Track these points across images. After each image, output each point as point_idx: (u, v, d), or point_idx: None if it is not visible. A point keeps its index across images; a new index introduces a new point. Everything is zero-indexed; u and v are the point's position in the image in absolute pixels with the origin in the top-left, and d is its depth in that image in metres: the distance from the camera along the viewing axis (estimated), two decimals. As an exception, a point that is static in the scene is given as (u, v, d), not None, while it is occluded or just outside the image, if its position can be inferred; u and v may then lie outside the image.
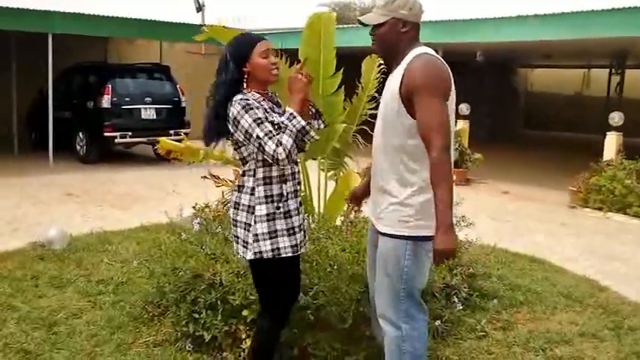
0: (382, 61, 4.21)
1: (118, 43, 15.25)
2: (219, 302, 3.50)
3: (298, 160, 3.01)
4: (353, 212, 3.37)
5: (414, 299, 2.76)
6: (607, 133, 9.58)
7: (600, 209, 8.37)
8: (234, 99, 2.70)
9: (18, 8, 10.25)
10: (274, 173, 2.77)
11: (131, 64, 13.11)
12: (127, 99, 11.63)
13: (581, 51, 14.05)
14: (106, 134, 11.29)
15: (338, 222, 4.18)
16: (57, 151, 11.10)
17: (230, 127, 2.72)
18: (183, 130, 12.08)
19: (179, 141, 4.71)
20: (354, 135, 4.58)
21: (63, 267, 5.15)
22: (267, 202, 2.76)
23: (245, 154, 2.78)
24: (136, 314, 4.13)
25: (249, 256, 2.79)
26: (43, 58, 10.76)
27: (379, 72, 4.40)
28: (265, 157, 2.67)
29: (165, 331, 3.84)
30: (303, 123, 2.67)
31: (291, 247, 2.79)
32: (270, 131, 2.63)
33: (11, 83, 12.48)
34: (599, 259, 6.22)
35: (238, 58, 2.76)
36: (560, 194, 9.26)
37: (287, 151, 2.62)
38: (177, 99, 12.27)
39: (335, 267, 3.54)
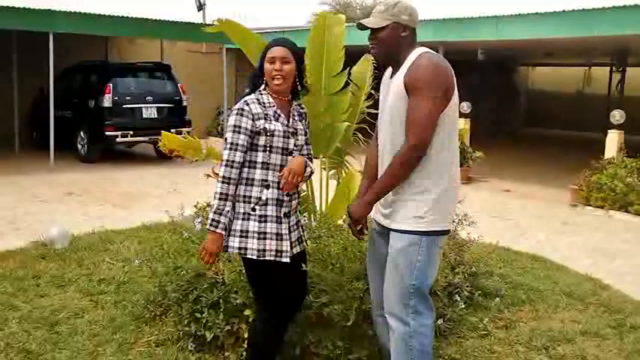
0: (376, 64, 4.22)
1: (118, 41, 15.25)
2: (221, 301, 3.50)
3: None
4: (358, 237, 3.31)
5: (423, 295, 2.78)
6: (608, 131, 9.57)
7: (602, 207, 8.36)
8: (244, 98, 2.87)
9: (20, 7, 10.24)
10: (257, 176, 2.85)
11: (132, 63, 13.11)
12: (128, 98, 11.62)
13: (582, 49, 14.03)
14: (107, 133, 11.29)
15: (340, 221, 4.17)
16: (58, 150, 11.10)
17: None
18: (185, 129, 12.12)
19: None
20: (354, 133, 4.58)
21: (64, 266, 5.15)
22: (244, 202, 2.85)
23: None
24: (137, 314, 4.13)
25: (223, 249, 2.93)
26: (45, 57, 10.76)
27: (374, 71, 4.43)
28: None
29: (167, 330, 3.84)
30: (210, 216, 2.83)
31: (258, 250, 2.83)
32: (236, 144, 2.78)
33: (12, 82, 12.49)
34: (601, 257, 6.22)
35: (260, 59, 2.91)
36: (562, 192, 9.24)
37: (220, 177, 2.80)
38: (178, 98, 12.27)
39: (337, 265, 3.54)
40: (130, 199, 8.50)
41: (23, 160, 11.68)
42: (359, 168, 4.71)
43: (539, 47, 13.77)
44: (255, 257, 2.84)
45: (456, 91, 2.71)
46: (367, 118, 4.58)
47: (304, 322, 3.38)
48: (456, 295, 4.19)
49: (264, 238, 2.83)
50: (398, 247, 2.74)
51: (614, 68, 18.88)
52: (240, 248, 2.84)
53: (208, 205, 4.57)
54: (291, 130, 2.89)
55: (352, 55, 4.71)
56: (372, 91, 4.51)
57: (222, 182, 2.79)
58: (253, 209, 2.84)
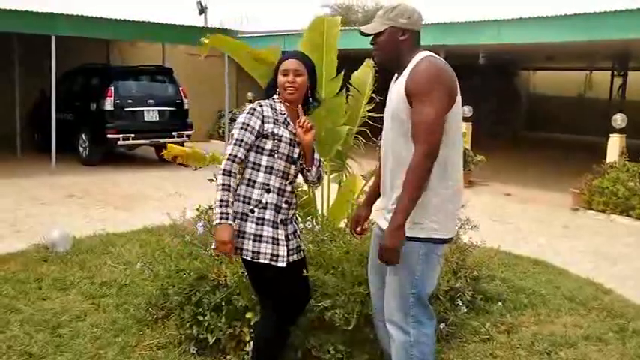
0: (377, 68, 4.24)
1: (120, 44, 15.27)
2: (223, 304, 3.50)
3: (293, 190, 3.06)
4: (356, 237, 3.32)
5: (423, 303, 2.75)
6: (610, 135, 9.57)
7: (603, 211, 8.36)
8: (258, 101, 2.96)
9: (21, 10, 10.27)
10: (259, 179, 2.89)
11: (134, 66, 13.12)
12: (130, 101, 11.65)
13: (583, 53, 14.04)
14: (108, 136, 11.32)
15: (342, 224, 4.17)
16: (59, 153, 11.11)
17: None
18: (186, 132, 12.14)
19: (182, 143, 4.70)
20: (355, 137, 4.59)
21: (66, 269, 5.15)
22: (243, 202, 2.89)
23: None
24: (139, 316, 4.13)
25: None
26: (46, 57, 10.78)
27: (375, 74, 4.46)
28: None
29: (169, 333, 3.84)
30: (215, 210, 2.82)
31: (252, 252, 2.85)
32: (241, 141, 2.84)
33: (14, 84, 12.50)
34: (603, 261, 6.22)
35: (274, 71, 3.01)
36: (563, 196, 9.24)
37: (221, 170, 2.83)
38: (179, 101, 12.29)
39: (339, 269, 3.54)
40: (131, 201, 8.51)
41: (25, 162, 11.70)
42: (360, 172, 4.73)
43: (540, 51, 13.77)
44: (249, 259, 2.87)
45: (459, 95, 2.67)
46: (368, 121, 4.59)
47: (306, 325, 3.39)
48: (458, 299, 4.18)
49: (260, 241, 2.85)
50: None
51: (615, 72, 18.87)
52: (236, 248, 2.87)
53: (210, 208, 4.57)
54: (297, 139, 2.95)
55: (354, 59, 4.73)
56: (374, 95, 4.53)
57: (223, 174, 2.83)
58: (252, 211, 2.87)
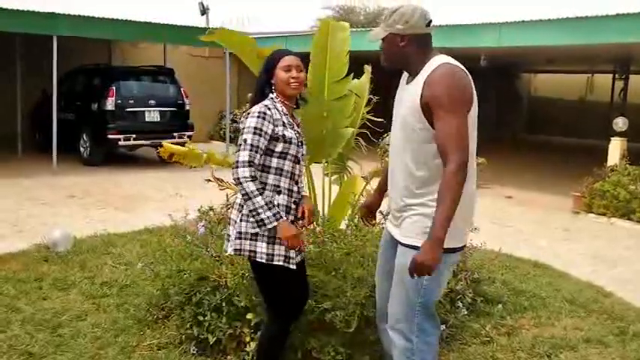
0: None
1: (122, 45, 15.29)
2: (223, 304, 3.51)
3: (299, 190, 3.04)
4: (367, 225, 3.33)
5: (429, 312, 2.71)
6: (611, 138, 9.57)
7: (604, 215, 8.36)
8: (262, 103, 2.87)
9: (23, 10, 10.27)
10: (269, 181, 2.87)
11: (135, 67, 13.14)
12: (131, 101, 11.65)
13: (584, 56, 14.04)
14: (109, 136, 11.32)
15: (343, 226, 4.17)
16: (61, 153, 11.10)
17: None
18: (187, 133, 12.14)
19: (182, 144, 4.70)
20: (355, 138, 4.59)
21: (67, 269, 5.15)
22: None
23: None
24: (140, 317, 4.13)
25: (230, 250, 2.91)
26: (48, 59, 10.78)
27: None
28: (235, 159, 2.80)
29: (170, 333, 3.84)
30: (262, 217, 2.76)
31: (267, 254, 2.84)
32: (256, 147, 2.77)
33: (16, 84, 12.51)
34: (603, 264, 6.22)
35: (266, 67, 2.96)
36: (564, 199, 9.24)
37: (236, 176, 2.75)
38: (181, 102, 12.30)
39: (340, 271, 3.54)
40: (132, 202, 8.51)
41: (26, 162, 11.70)
42: (361, 173, 4.74)
43: (541, 54, 13.78)
44: (264, 261, 2.84)
45: (475, 103, 2.59)
46: (367, 123, 4.60)
47: (306, 327, 3.38)
48: (459, 302, 4.18)
49: (274, 243, 2.84)
50: (404, 263, 2.59)
51: (616, 75, 18.87)
52: (250, 251, 2.85)
53: (211, 209, 4.58)
54: (300, 139, 2.97)
55: (357, 62, 4.73)
56: (371, 97, 4.55)
57: (251, 181, 2.74)
58: None
